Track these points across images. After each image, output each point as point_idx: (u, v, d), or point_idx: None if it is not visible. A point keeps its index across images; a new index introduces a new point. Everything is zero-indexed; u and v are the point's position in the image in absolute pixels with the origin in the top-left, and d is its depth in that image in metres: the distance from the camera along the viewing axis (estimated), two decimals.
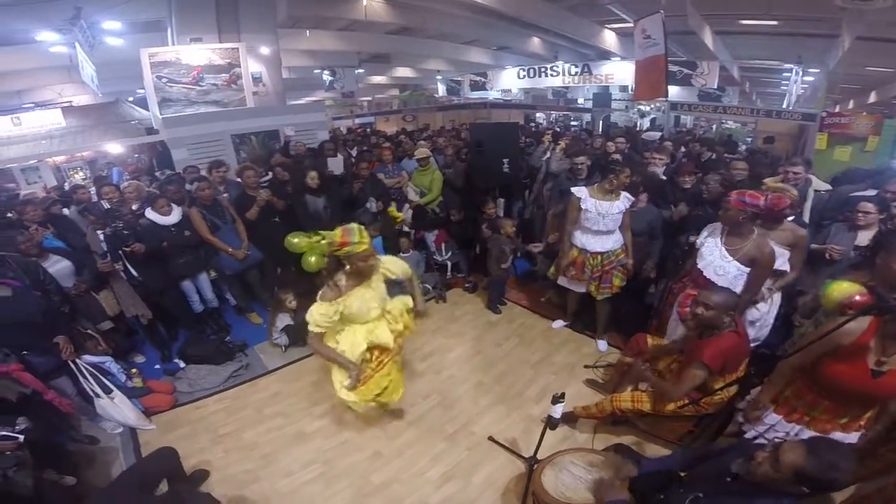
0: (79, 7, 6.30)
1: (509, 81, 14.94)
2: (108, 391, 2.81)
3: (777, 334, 2.71)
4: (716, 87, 11.37)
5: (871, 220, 2.67)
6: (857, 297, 1.81)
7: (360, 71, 15.49)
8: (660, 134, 7.92)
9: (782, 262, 2.55)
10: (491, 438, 2.73)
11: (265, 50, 7.75)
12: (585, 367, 3.32)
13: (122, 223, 3.27)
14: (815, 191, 3.37)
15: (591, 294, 3.37)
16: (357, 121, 13.76)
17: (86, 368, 2.76)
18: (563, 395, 2.02)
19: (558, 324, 3.90)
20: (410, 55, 15.03)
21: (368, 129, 11.64)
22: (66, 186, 6.71)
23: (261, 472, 2.59)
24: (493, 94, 15.81)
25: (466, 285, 4.64)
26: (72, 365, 2.70)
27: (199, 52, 6.70)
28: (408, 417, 2.95)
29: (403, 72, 17.81)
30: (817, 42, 9.71)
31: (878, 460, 1.84)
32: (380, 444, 2.75)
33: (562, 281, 3.48)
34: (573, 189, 3.16)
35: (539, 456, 2.20)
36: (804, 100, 10.74)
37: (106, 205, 3.87)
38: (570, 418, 2.71)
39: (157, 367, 3.57)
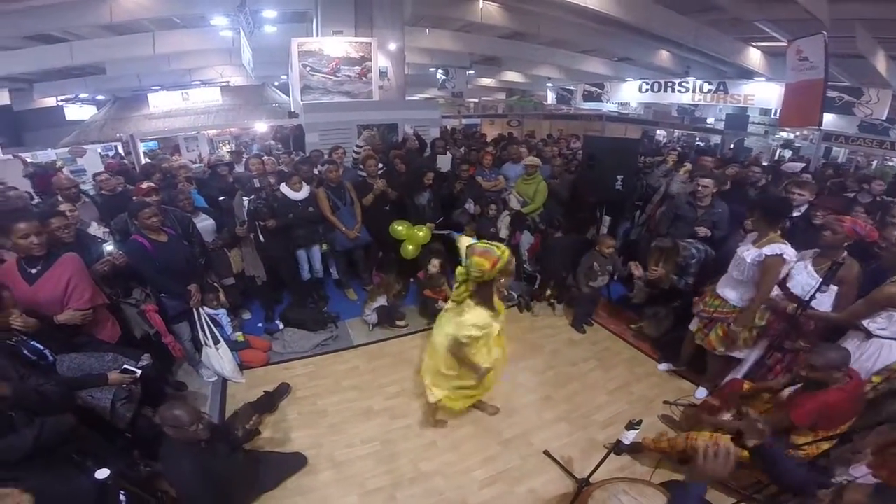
0: None
1: (629, 94, 14.16)
2: (216, 341, 3.16)
3: None
4: (884, 118, 9.71)
5: None
6: None
7: (471, 72, 15.80)
8: (803, 165, 6.90)
9: None
10: (546, 453, 2.68)
11: (392, 46, 8.17)
12: (665, 402, 3.06)
13: (264, 196, 3.70)
14: None
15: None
16: (463, 121, 14.02)
17: (203, 318, 3.13)
18: (639, 423, 1.94)
19: (665, 366, 3.53)
20: (521, 60, 14.91)
21: (475, 130, 11.78)
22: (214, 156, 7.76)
23: (323, 438, 2.76)
24: (607, 106, 15.07)
25: (550, 301, 4.47)
26: (195, 313, 3.08)
27: (339, 45, 7.31)
28: (468, 415, 2.95)
29: (512, 76, 17.75)
30: None
31: None
32: (437, 435, 2.81)
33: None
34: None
35: (592, 480, 2.14)
36: None
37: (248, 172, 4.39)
38: (635, 449, 2.59)
39: (260, 325, 3.98)
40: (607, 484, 1.92)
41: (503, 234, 4.50)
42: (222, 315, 3.42)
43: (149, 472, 2.18)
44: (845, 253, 2.42)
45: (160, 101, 11.32)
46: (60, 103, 13.70)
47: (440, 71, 14.36)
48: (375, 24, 7.83)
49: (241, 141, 9.24)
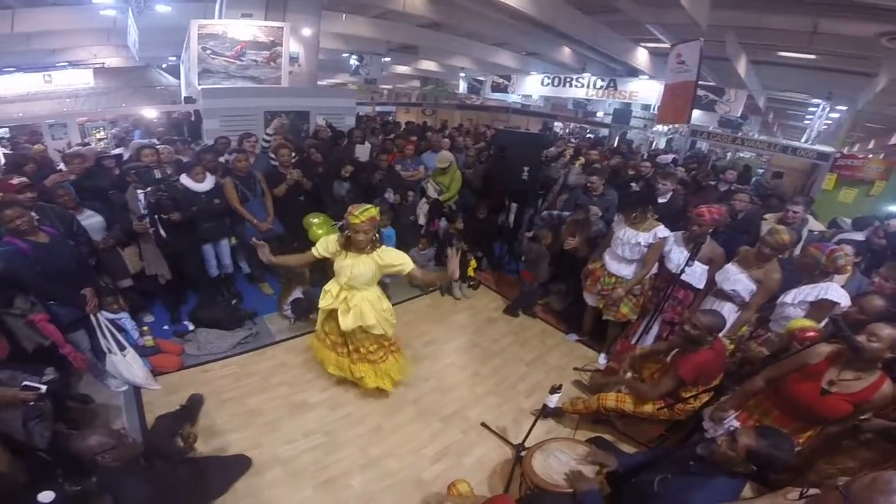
0: None
1: (532, 87, 14.98)
2: (121, 348, 2.90)
3: None
4: (739, 115, 11.35)
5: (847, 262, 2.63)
6: (810, 333, 2.06)
7: (387, 59, 15.54)
8: (672, 157, 7.99)
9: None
10: (483, 424, 2.91)
11: (307, 31, 7.74)
12: (575, 369, 3.53)
13: (165, 188, 3.37)
14: (810, 231, 3.48)
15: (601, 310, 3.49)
16: (377, 108, 13.82)
17: (104, 324, 2.85)
18: (560, 387, 2.30)
19: (572, 337, 3.99)
20: (438, 50, 14.96)
21: (390, 118, 11.69)
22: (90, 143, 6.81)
23: (262, 437, 2.69)
24: (512, 98, 15.84)
25: (470, 283, 4.74)
26: (92, 319, 2.78)
27: (246, 28, 6.73)
28: (408, 397, 3.11)
29: (428, 65, 17.75)
30: (851, 79, 9.74)
31: (816, 473, 2.03)
32: (380, 420, 2.90)
33: (587, 297, 3.61)
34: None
35: (527, 444, 2.38)
36: (826, 135, 10.65)
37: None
38: (557, 413, 2.91)
39: (166, 327, 3.65)
40: (544, 444, 2.20)
41: (422, 221, 4.66)
42: (125, 319, 3.13)
43: (77, 492, 2.00)
44: (708, 238, 2.97)
45: (11, 84, 9.57)
46: None
47: (354, 57, 13.91)
48: (289, 8, 7.30)
49: (121, 127, 8.14)
